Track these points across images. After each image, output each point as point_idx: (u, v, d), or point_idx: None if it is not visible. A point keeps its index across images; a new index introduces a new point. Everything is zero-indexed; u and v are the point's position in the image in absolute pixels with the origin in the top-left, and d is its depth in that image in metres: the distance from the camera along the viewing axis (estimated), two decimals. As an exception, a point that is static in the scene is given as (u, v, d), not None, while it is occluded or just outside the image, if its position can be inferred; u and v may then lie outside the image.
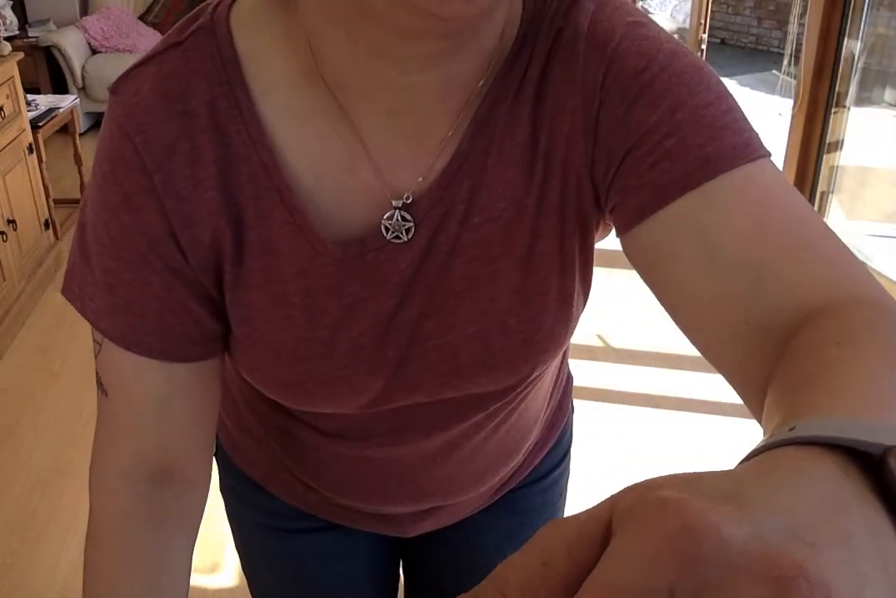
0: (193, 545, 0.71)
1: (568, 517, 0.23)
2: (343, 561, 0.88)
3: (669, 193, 0.51)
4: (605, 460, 2.34)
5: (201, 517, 0.71)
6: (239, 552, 0.94)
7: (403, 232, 0.58)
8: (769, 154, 0.53)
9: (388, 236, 0.58)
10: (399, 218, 0.58)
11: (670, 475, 0.23)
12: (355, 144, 0.57)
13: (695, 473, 0.24)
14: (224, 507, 0.92)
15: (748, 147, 0.52)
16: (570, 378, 0.88)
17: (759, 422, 0.42)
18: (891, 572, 0.21)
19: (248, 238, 0.58)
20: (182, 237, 0.58)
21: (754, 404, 0.46)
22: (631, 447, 2.40)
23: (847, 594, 0.19)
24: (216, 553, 2.01)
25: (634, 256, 0.54)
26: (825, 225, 0.50)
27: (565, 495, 0.95)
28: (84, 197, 0.61)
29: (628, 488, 0.23)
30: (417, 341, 0.62)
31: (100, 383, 0.64)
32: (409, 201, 0.58)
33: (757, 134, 0.54)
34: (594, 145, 0.56)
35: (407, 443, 0.71)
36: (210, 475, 0.71)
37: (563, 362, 0.83)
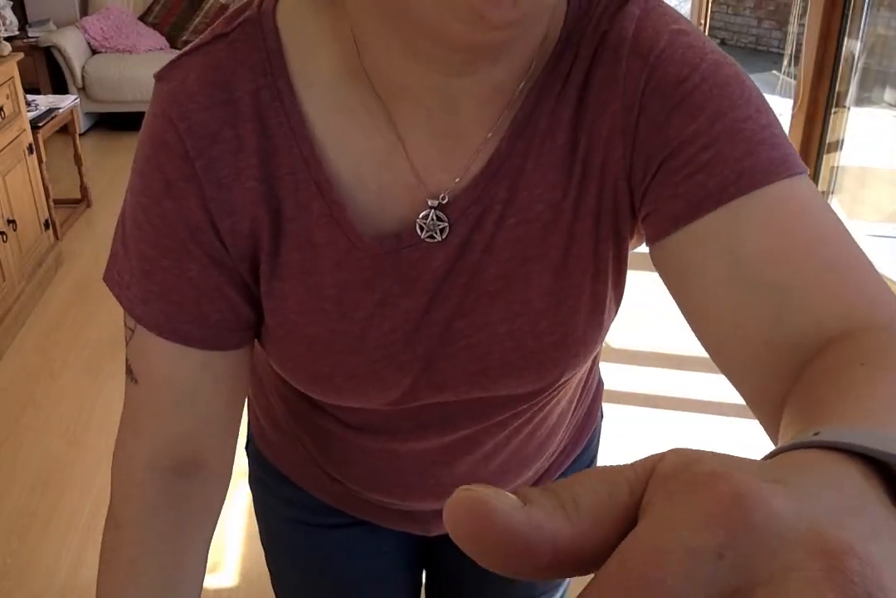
0: (212, 537, 0.70)
1: (621, 465, 0.23)
2: (368, 558, 0.89)
3: (703, 206, 0.51)
4: (605, 459, 2.34)
5: (221, 509, 0.71)
6: (265, 548, 0.95)
7: (438, 231, 0.59)
8: (806, 171, 0.52)
9: (423, 235, 0.59)
10: (434, 218, 0.58)
11: (712, 452, 0.23)
12: (395, 141, 0.58)
13: (734, 456, 0.24)
14: (252, 502, 0.93)
15: (785, 163, 0.51)
16: (600, 384, 0.88)
17: (775, 442, 0.42)
18: None
19: (287, 229, 0.59)
20: (222, 226, 0.58)
21: (771, 426, 0.47)
22: (631, 447, 2.40)
23: (892, 579, 0.19)
24: (216, 553, 2.01)
25: (661, 266, 0.54)
26: (855, 245, 0.50)
27: None
28: (128, 183, 0.61)
29: (671, 451, 0.23)
30: (448, 340, 0.63)
31: (129, 371, 0.64)
32: (444, 202, 0.58)
33: (794, 150, 0.53)
34: (632, 151, 0.56)
35: (430, 438, 0.71)
36: (232, 467, 0.70)
37: (594, 367, 0.83)
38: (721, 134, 0.51)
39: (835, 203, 3.37)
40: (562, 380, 0.65)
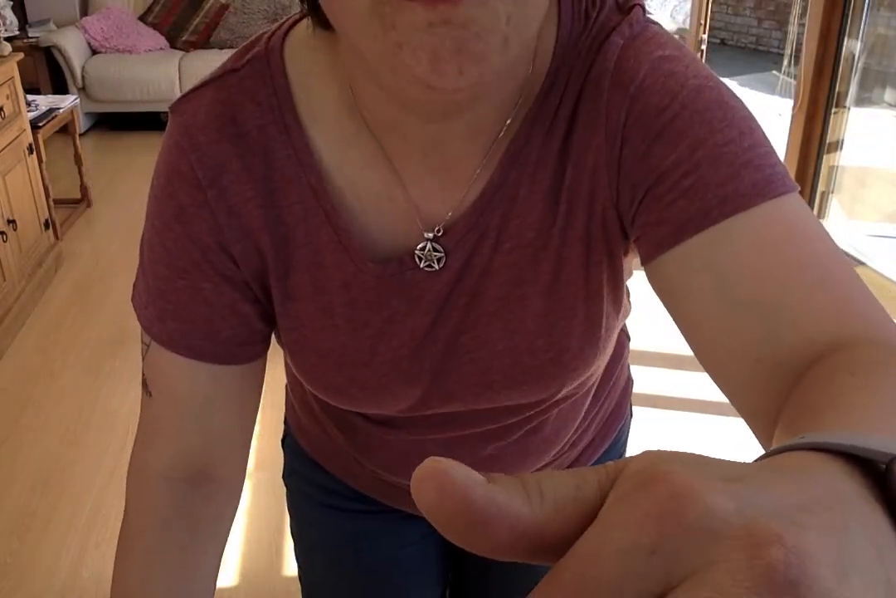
0: (224, 548, 0.71)
1: (597, 466, 0.24)
2: (397, 546, 0.91)
3: (686, 230, 0.52)
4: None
5: (233, 520, 0.72)
6: (296, 540, 0.97)
7: (435, 261, 0.61)
8: (795, 189, 0.52)
9: (422, 265, 0.62)
10: (431, 249, 0.61)
11: (682, 452, 0.25)
12: (391, 175, 0.60)
13: (706, 457, 0.25)
14: (285, 495, 0.95)
15: (770, 184, 0.51)
16: (629, 381, 0.89)
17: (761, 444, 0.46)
18: (886, 565, 0.20)
19: (296, 254, 0.62)
20: (234, 249, 0.62)
21: (767, 440, 0.47)
22: (631, 447, 2.40)
23: (829, 571, 0.19)
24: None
25: (655, 286, 0.56)
26: (845, 263, 0.50)
27: None
28: (146, 209, 0.64)
29: (642, 453, 0.25)
30: (453, 355, 0.65)
31: (145, 385, 0.67)
32: (440, 234, 0.61)
33: (783, 168, 0.53)
34: (618, 181, 0.57)
35: (447, 432, 0.74)
36: (244, 479, 0.72)
37: (622, 364, 0.84)
38: (702, 160, 0.52)
39: (835, 203, 3.36)
40: (563, 392, 0.68)
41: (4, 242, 2.91)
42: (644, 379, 2.73)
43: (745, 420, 0.50)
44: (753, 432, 0.49)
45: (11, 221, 3.01)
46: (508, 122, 0.58)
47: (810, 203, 3.28)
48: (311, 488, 0.91)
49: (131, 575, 0.66)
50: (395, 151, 0.60)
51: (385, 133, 0.59)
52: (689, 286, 0.52)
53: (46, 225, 3.43)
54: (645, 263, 0.55)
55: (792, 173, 3.31)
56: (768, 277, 0.49)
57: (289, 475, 0.94)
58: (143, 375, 0.67)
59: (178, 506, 0.67)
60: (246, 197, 0.60)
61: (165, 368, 0.65)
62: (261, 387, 0.69)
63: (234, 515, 0.72)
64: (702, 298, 0.51)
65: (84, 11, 5.66)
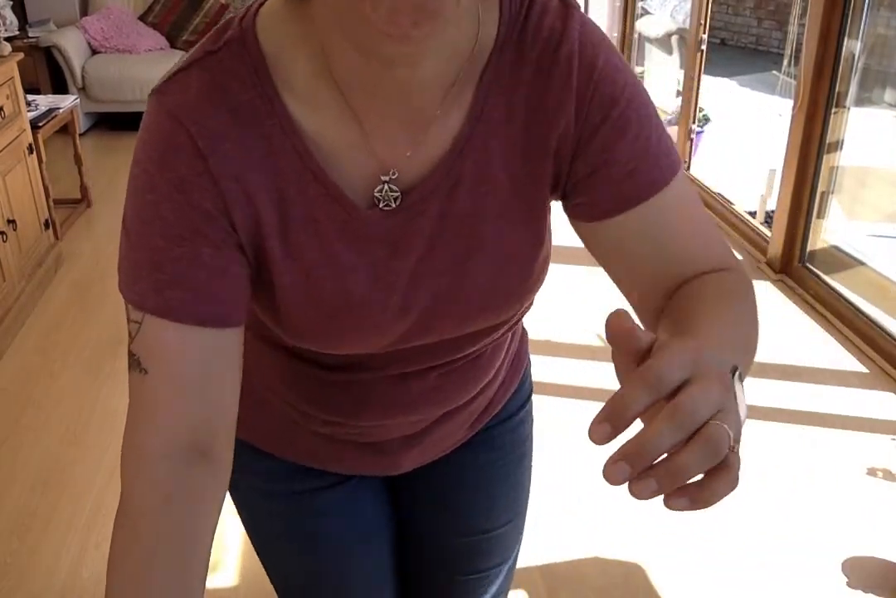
0: (216, 526, 0.70)
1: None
2: (349, 517, 0.97)
3: (630, 204, 0.70)
4: (605, 459, 2.34)
5: (224, 497, 0.71)
6: (255, 539, 0.99)
7: (392, 201, 0.69)
8: (683, 164, 0.69)
9: (381, 206, 0.69)
10: (388, 190, 0.69)
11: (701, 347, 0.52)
12: (358, 127, 0.67)
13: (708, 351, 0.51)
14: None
15: (675, 165, 0.71)
16: (525, 332, 1.02)
17: (643, 326, 0.73)
18: (741, 404, 0.49)
19: (292, 213, 0.68)
20: (234, 214, 0.66)
21: (647, 325, 0.73)
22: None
23: (737, 398, 0.49)
24: (216, 553, 2.01)
25: (583, 233, 0.76)
26: (707, 216, 0.76)
27: (531, 441, 1.06)
28: (128, 180, 0.68)
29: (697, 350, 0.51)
30: (438, 292, 0.73)
31: (136, 364, 0.68)
32: (395, 176, 0.69)
33: (675, 147, 0.72)
34: (576, 150, 0.70)
35: (406, 367, 0.82)
36: (233, 456, 0.71)
37: (521, 320, 0.95)
38: (639, 149, 0.69)
39: (835, 203, 3.36)
40: (516, 317, 0.82)
41: (4, 242, 2.91)
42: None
43: (636, 312, 0.73)
44: (639, 321, 0.72)
45: (11, 221, 3.01)
46: (461, 75, 0.67)
47: (810, 203, 3.28)
48: (255, 478, 0.93)
49: (132, 558, 0.65)
50: (360, 106, 0.66)
51: (353, 90, 0.66)
52: (624, 241, 0.72)
53: (46, 225, 3.43)
54: (585, 221, 0.74)
55: (792, 173, 3.32)
56: (671, 231, 0.71)
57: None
58: (133, 355, 0.68)
59: (178, 484, 0.67)
60: (245, 163, 0.65)
61: (163, 341, 0.66)
62: (242, 356, 0.71)
63: (225, 492, 0.72)
64: (631, 248, 0.72)
65: (84, 11, 5.67)
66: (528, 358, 1.04)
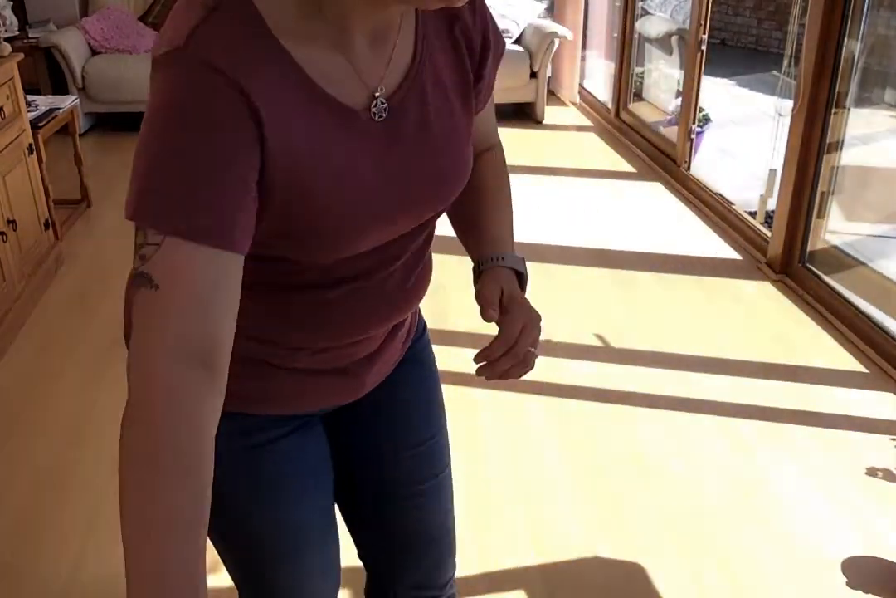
0: (214, 442, 0.75)
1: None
2: (302, 456, 1.08)
3: (486, 103, 1.05)
4: (605, 459, 2.35)
5: (220, 408, 0.76)
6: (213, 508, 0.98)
7: (383, 111, 0.86)
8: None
9: (376, 118, 0.85)
10: (379, 103, 0.85)
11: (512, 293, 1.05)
12: (344, 61, 0.82)
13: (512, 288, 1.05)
14: None
15: (490, 89, 1.03)
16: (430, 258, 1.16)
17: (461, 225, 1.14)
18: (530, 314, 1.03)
19: (313, 132, 0.80)
20: (270, 142, 0.76)
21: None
22: (631, 447, 2.40)
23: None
24: (215, 553, 2.01)
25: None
26: (493, 113, 1.11)
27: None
28: (147, 131, 0.74)
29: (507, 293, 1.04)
30: (422, 173, 0.91)
31: (148, 282, 0.73)
32: (385, 92, 0.86)
33: None
34: (479, 66, 0.97)
35: (381, 272, 0.97)
36: (227, 378, 0.77)
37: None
38: (492, 82, 1.02)
39: (835, 203, 3.37)
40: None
41: (4, 242, 2.91)
42: (644, 379, 2.74)
43: None
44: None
45: (11, 222, 3.01)
46: (412, 18, 0.89)
47: (810, 203, 3.28)
48: (218, 439, 0.93)
49: (147, 448, 0.70)
50: (344, 42, 0.81)
51: (341, 30, 0.80)
52: (475, 125, 1.00)
53: (46, 225, 3.43)
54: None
55: (792, 173, 3.33)
56: (484, 117, 1.07)
57: None
58: (145, 275, 0.72)
59: (184, 384, 0.72)
60: (273, 97, 0.76)
61: (182, 261, 0.73)
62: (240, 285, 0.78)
63: (221, 404, 0.76)
64: (476, 128, 1.01)
65: (84, 12, 5.66)
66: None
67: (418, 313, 1.20)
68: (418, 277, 1.05)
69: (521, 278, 1.07)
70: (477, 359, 1.02)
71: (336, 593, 1.21)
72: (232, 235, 0.75)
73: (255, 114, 0.75)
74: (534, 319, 1.03)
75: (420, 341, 1.21)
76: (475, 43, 0.94)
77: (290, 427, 1.06)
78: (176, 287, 0.72)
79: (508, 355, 1.00)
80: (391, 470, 1.19)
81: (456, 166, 0.96)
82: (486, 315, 1.01)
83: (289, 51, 0.78)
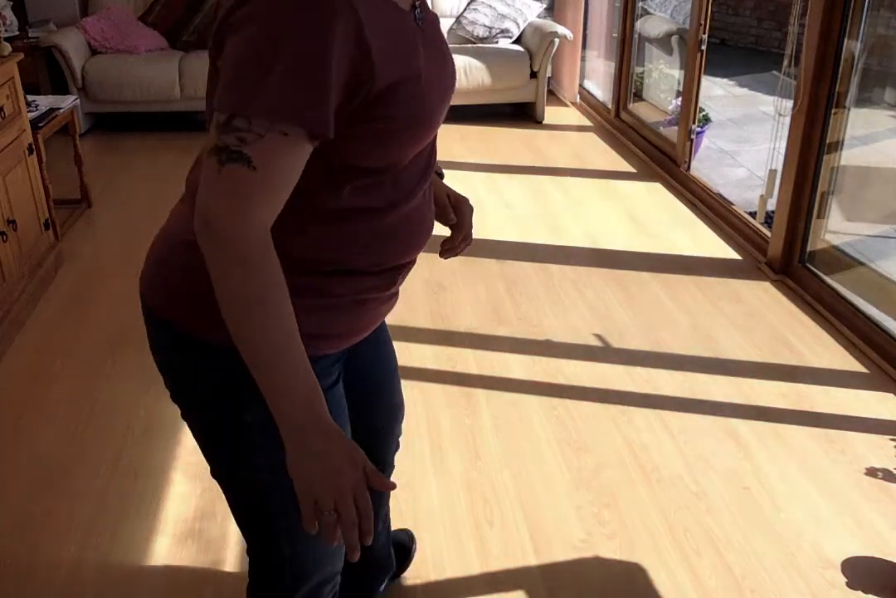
0: None
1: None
2: (343, 402, 1.24)
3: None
4: (605, 459, 2.35)
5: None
6: (260, 459, 1.14)
7: (421, 20, 1.08)
8: None
9: (418, 20, 1.08)
10: (418, 13, 1.08)
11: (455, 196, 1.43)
12: (397, 7, 1.04)
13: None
14: (238, 446, 1.16)
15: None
16: None
17: None
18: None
19: (383, 26, 0.97)
20: (374, 52, 0.94)
21: None
22: (631, 447, 2.40)
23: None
24: (216, 553, 2.01)
25: None
26: None
27: None
28: (262, 37, 0.91)
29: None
30: (450, 70, 1.17)
31: (247, 162, 0.91)
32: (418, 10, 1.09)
33: None
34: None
35: (418, 194, 1.15)
36: None
37: None
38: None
39: (835, 203, 3.37)
40: None
41: (4, 242, 2.91)
42: (644, 379, 2.74)
43: None
44: None
45: (11, 222, 3.01)
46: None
47: (810, 203, 3.28)
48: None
49: (271, 268, 0.95)
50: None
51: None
52: None
53: (46, 225, 3.43)
54: None
55: (792, 173, 3.32)
56: None
57: (239, 424, 1.13)
58: (241, 151, 0.90)
59: (267, 237, 0.95)
60: (374, 21, 0.95)
61: (281, 149, 0.92)
62: None
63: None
64: None
65: (84, 12, 5.66)
66: None
67: None
68: (432, 210, 1.25)
69: (440, 176, 1.38)
70: (445, 255, 1.42)
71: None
72: (326, 130, 0.94)
73: (360, 25, 0.92)
74: (469, 204, 1.42)
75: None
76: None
77: (336, 375, 1.20)
78: (271, 171, 0.92)
79: (465, 240, 1.42)
80: (387, 398, 1.53)
81: (454, 75, 1.19)
82: (447, 219, 1.38)
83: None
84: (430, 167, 1.18)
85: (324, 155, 0.98)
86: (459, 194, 1.40)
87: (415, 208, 1.15)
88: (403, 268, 1.19)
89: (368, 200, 1.08)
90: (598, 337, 3.00)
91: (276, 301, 0.95)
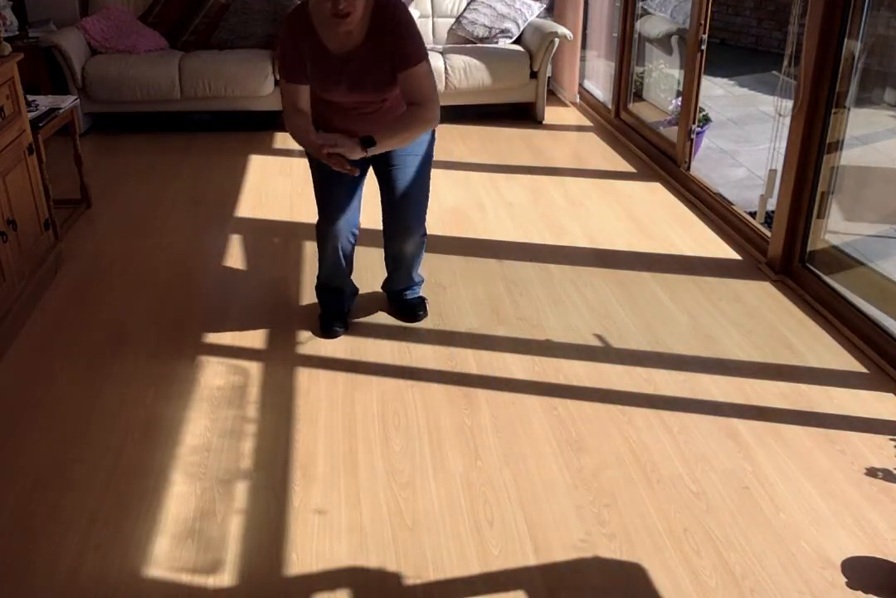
0: None
1: None
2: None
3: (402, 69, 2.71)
4: (605, 459, 2.35)
5: None
6: (314, 174, 2.92)
7: (345, 54, 2.64)
8: (424, 57, 2.62)
9: (339, 56, 2.66)
10: (339, 53, 2.65)
11: None
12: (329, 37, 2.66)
13: None
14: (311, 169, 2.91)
15: (420, 57, 2.66)
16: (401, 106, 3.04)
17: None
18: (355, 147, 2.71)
19: (313, 55, 2.62)
20: (305, 53, 2.62)
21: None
22: (631, 447, 2.40)
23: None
24: (216, 553, 2.01)
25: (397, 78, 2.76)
26: (431, 84, 2.67)
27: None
28: (279, 43, 2.76)
29: None
30: (355, 80, 2.64)
31: (286, 90, 2.69)
32: (343, 50, 2.65)
33: (423, 50, 2.66)
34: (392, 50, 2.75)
35: (350, 111, 2.76)
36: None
37: (393, 102, 2.77)
38: (405, 56, 2.68)
39: (835, 203, 3.36)
40: (388, 98, 2.72)
41: (4, 242, 2.91)
42: (644, 379, 2.73)
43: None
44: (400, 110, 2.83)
45: (11, 222, 3.01)
46: (365, 21, 2.60)
47: (810, 203, 3.28)
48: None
49: (300, 122, 2.68)
50: (329, 33, 2.62)
51: (325, 28, 2.63)
52: (400, 83, 2.67)
53: (46, 225, 3.43)
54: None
55: (792, 173, 3.32)
56: (404, 85, 2.66)
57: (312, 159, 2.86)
58: (282, 88, 2.72)
59: (300, 112, 2.69)
60: (308, 36, 2.65)
61: (294, 87, 2.64)
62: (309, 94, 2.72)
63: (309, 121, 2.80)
64: (400, 86, 2.68)
65: (84, 11, 5.66)
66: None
67: (419, 142, 2.83)
68: (370, 119, 2.70)
69: (367, 143, 2.55)
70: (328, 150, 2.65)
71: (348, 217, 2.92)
72: (304, 79, 2.62)
73: (308, 39, 2.57)
74: (349, 141, 2.57)
75: (407, 157, 2.84)
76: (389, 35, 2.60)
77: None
78: (297, 93, 2.65)
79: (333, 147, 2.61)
80: (400, 180, 2.93)
81: (367, 83, 2.59)
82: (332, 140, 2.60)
83: (315, 27, 2.58)
84: (348, 109, 2.71)
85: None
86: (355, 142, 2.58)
87: (333, 112, 2.73)
88: (330, 130, 2.70)
89: (317, 99, 2.68)
90: (598, 337, 3.00)
91: (302, 130, 2.66)
